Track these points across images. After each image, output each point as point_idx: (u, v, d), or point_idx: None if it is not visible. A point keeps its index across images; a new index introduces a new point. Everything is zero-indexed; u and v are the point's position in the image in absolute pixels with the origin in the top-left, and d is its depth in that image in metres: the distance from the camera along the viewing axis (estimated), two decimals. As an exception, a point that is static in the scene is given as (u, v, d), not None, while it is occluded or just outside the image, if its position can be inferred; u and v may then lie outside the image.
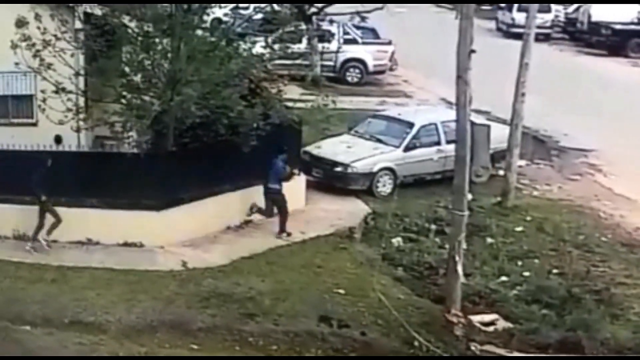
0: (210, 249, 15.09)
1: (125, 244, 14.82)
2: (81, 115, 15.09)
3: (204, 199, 15.39)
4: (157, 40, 14.85)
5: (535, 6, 18.78)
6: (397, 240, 16.02)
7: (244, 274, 14.21)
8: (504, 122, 20.12)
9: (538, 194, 19.45)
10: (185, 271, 14.21)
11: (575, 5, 39.23)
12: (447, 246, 14.29)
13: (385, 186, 18.33)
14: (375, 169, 18.32)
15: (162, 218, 14.98)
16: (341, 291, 13.98)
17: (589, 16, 37.34)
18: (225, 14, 17.29)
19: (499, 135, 19.26)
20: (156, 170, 14.84)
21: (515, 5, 36.90)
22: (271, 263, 14.73)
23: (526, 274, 15.17)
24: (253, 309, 13.26)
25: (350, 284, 14.18)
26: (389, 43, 29.03)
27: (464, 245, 13.95)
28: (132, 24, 14.93)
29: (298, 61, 22.17)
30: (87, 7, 15.36)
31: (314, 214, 16.82)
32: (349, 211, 17.25)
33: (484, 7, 39.51)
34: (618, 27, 35.91)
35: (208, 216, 15.44)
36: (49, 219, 14.67)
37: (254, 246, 15.23)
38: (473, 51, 13.25)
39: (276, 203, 15.97)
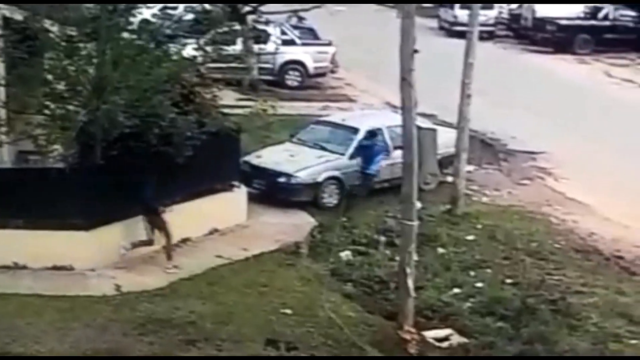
0: (145, 270, 14.78)
1: (55, 268, 14.46)
2: (2, 129, 14.67)
3: (137, 216, 15.06)
4: (81, 44, 14.53)
5: (478, 3, 18.88)
6: (346, 254, 15.93)
7: (183, 297, 13.95)
8: (450, 125, 20.23)
9: (488, 200, 19.59)
10: (120, 295, 13.91)
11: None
12: (397, 258, 14.25)
13: (331, 197, 18.22)
14: (320, 179, 18.19)
15: (93, 238, 14.63)
16: (288, 311, 13.82)
17: (534, 12, 37.79)
18: (154, 15, 17.03)
19: (446, 139, 19.34)
20: (84, 186, 14.49)
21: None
22: (212, 284, 14.49)
23: (479, 284, 15.21)
24: (194, 334, 12.99)
25: (298, 303, 14.04)
26: (330, 44, 28.99)
27: (415, 257, 13.90)
28: (55, 28, 14.58)
29: (233, 64, 21.98)
30: (6, 12, 14.93)
31: (256, 229, 16.62)
32: (294, 225, 17.11)
33: (425, 5, 39.73)
34: (564, 22, 36.44)
35: (142, 235, 15.10)
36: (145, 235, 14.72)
37: (192, 266, 14.98)
38: (416, 51, 13.22)
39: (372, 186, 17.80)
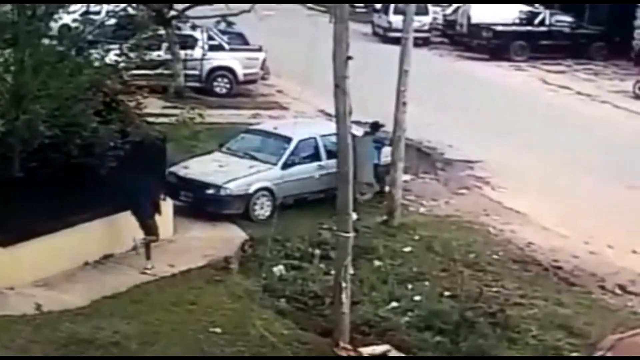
0: (67, 288, 14.63)
1: (-30, 286, 14.23)
2: None
3: (58, 232, 14.92)
4: (-2, 51, 14.37)
5: (412, 8, 19.09)
6: (278, 269, 15.90)
7: (106, 316, 13.81)
8: (386, 134, 20.39)
9: (425, 210, 19.81)
10: (40, 315, 13.72)
11: (453, 7, 40.27)
12: (332, 272, 14.28)
13: (263, 209, 18.23)
14: (251, 190, 18.19)
15: (10, 255, 14.41)
16: (218, 330, 13.74)
17: (469, 18, 38.38)
18: (74, 20, 16.89)
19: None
20: (1, 200, 14.21)
21: (392, 8, 37.56)
22: (137, 302, 14.38)
23: (417, 298, 15.32)
24: (118, 355, 12.83)
25: (228, 321, 13.97)
26: (260, 49, 29.02)
27: (351, 270, 13.97)
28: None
29: (158, 70, 21.86)
30: None
31: (183, 243, 16.54)
32: (224, 239, 17.05)
33: (359, 10, 40.09)
34: (499, 28, 37.08)
35: (63, 251, 14.98)
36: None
37: (116, 283, 14.87)
38: (350, 58, 13.32)
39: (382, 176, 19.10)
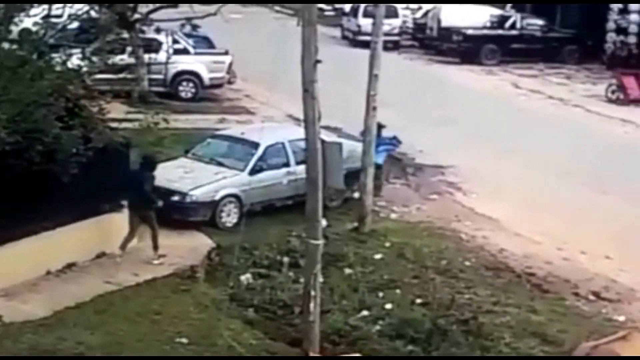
0: (28, 298, 14.54)
1: None
2: None
3: (19, 240, 14.81)
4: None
5: (382, 11, 19.18)
6: (246, 278, 15.88)
7: (69, 327, 13.73)
8: (356, 139, 20.45)
9: (396, 216, 19.88)
10: (1, 326, 13.63)
11: (424, 10, 40.53)
12: (302, 280, 14.30)
13: (230, 216, 18.21)
14: (217, 197, 18.17)
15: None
16: (184, 340, 13.70)
17: (439, 21, 38.67)
18: (35, 24, 16.80)
19: (352, 153, 19.57)
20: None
21: (361, 11, 37.73)
22: (101, 312, 14.31)
23: (388, 306, 15.36)
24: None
25: (195, 331, 13.93)
26: (226, 53, 29.03)
27: (321, 278, 13.98)
28: None
29: (122, 75, 21.81)
30: None
31: (148, 252, 16.43)
32: (190, 247, 17.03)
33: (327, 13, 40.27)
34: (470, 32, 37.38)
35: (25, 260, 14.87)
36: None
37: (79, 293, 14.79)
38: (318, 61, 13.36)
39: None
